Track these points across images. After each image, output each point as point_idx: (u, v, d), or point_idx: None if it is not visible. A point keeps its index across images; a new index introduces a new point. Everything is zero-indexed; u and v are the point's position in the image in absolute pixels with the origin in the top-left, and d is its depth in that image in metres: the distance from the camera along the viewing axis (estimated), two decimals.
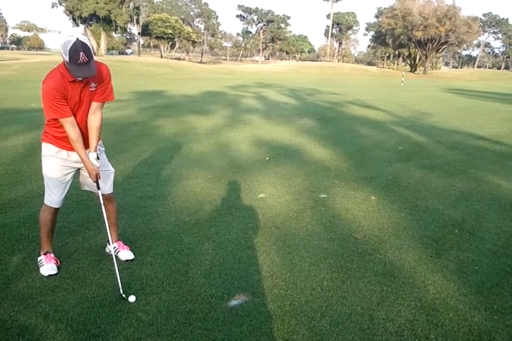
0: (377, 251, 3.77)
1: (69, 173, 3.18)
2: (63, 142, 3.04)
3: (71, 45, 2.64)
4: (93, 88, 2.94)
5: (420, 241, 4.03)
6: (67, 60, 2.69)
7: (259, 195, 5.20)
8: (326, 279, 3.27)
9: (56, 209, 3.24)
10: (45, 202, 3.21)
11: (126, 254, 3.46)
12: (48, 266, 3.20)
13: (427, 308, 2.94)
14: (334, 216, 4.59)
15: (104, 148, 3.33)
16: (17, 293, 2.93)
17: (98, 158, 3.11)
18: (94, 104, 3.01)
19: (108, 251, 3.52)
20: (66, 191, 3.24)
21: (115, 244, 3.48)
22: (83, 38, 2.70)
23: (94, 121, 3.03)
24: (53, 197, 3.17)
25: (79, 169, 3.23)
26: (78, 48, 2.65)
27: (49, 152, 3.09)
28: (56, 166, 3.10)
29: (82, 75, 2.76)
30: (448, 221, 4.55)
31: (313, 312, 2.85)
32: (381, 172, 6.45)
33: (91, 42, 2.82)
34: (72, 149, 3.04)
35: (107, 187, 3.30)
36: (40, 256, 3.29)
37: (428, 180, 6.09)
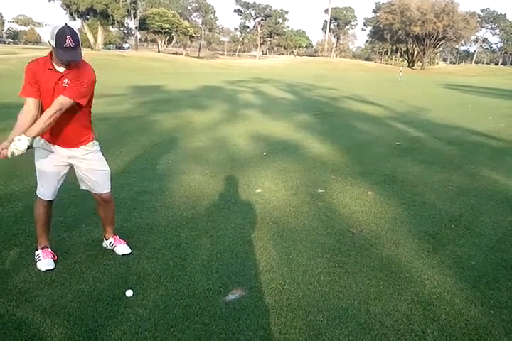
0: (374, 246, 3.78)
1: (59, 166, 3.12)
2: (49, 134, 3.00)
3: (59, 28, 2.63)
4: (65, 84, 2.83)
5: (417, 236, 4.04)
6: (54, 44, 2.65)
7: (256, 189, 5.20)
8: (323, 274, 3.28)
9: (48, 202, 3.22)
10: (37, 193, 3.20)
11: (122, 249, 3.46)
12: (45, 261, 3.20)
13: (424, 303, 2.95)
14: (331, 211, 4.60)
15: (99, 148, 3.23)
16: (14, 288, 2.93)
17: (30, 147, 2.72)
18: (58, 98, 2.81)
19: (105, 245, 3.52)
20: (58, 185, 3.21)
21: (111, 239, 3.48)
22: (72, 25, 2.68)
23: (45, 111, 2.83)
24: (43, 190, 3.16)
25: (72, 166, 3.20)
26: (65, 32, 2.63)
27: (38, 143, 3.06)
28: (44, 158, 3.08)
29: (66, 58, 2.70)
30: (445, 216, 4.56)
31: (310, 307, 2.86)
32: (378, 167, 6.45)
33: (79, 32, 2.77)
34: (58, 144, 3.02)
35: (98, 187, 3.24)
36: (37, 250, 3.28)
37: (425, 175, 6.10)
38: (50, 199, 3.21)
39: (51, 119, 2.75)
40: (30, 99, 2.84)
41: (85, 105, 2.96)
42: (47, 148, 3.06)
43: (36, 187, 3.21)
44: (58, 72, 2.81)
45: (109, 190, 3.32)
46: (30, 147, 2.68)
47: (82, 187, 3.31)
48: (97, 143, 3.22)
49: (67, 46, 2.64)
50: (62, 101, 2.78)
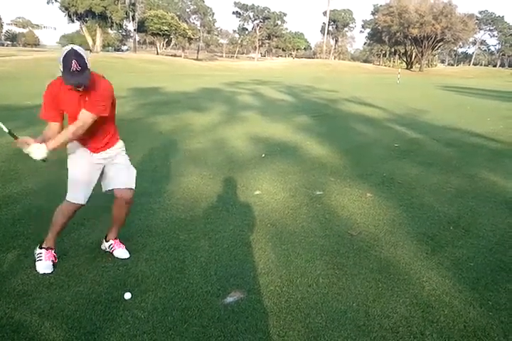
0: (372, 248, 3.78)
1: (92, 170, 3.21)
2: (81, 139, 3.08)
3: (65, 53, 2.69)
4: (87, 99, 2.91)
5: (416, 238, 4.04)
6: (61, 69, 2.71)
7: (255, 191, 5.20)
8: (321, 276, 3.28)
9: (79, 206, 3.23)
10: (68, 199, 3.19)
11: (121, 253, 3.45)
12: (45, 263, 3.19)
13: (423, 305, 2.95)
14: (330, 213, 4.60)
15: (125, 148, 3.37)
16: (12, 290, 2.92)
17: (44, 160, 2.86)
18: (80, 114, 2.90)
19: (104, 248, 3.52)
20: (92, 188, 3.25)
21: (112, 241, 3.47)
22: (78, 48, 2.74)
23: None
24: (76, 195, 3.19)
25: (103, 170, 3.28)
26: (71, 56, 2.68)
27: (73, 149, 3.15)
28: (79, 162, 3.16)
29: (73, 82, 2.74)
30: (443, 218, 4.56)
31: (308, 309, 2.85)
32: (377, 169, 6.45)
33: (87, 54, 2.80)
34: (89, 148, 3.13)
35: (129, 182, 3.31)
36: (40, 248, 3.25)
37: (423, 177, 6.10)
38: (83, 203, 3.22)
39: (73, 135, 2.90)
40: (53, 124, 2.96)
41: (109, 115, 3.04)
42: (81, 152, 3.13)
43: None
44: (77, 90, 2.85)
45: (134, 189, 3.38)
46: (44, 160, 2.82)
47: (109, 187, 3.31)
48: (123, 143, 3.35)
49: (74, 70, 2.69)
50: (85, 117, 2.89)
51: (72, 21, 65.32)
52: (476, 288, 3.19)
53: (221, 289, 3.04)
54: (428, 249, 3.80)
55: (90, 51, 57.14)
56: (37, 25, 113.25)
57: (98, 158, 3.19)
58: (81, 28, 66.53)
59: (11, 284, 3.00)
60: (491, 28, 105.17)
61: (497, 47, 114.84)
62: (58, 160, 6.23)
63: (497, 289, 3.19)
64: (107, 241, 3.50)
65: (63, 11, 63.77)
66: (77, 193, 3.18)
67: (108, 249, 3.48)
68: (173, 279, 3.16)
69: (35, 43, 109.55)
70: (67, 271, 3.19)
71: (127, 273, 3.22)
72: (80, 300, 2.85)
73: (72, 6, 60.83)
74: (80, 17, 63.82)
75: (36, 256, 3.24)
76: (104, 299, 2.87)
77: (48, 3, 63.55)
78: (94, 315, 2.70)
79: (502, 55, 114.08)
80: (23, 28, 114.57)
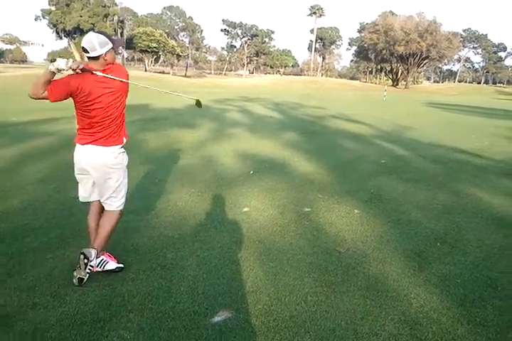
0: (360, 265, 3.78)
1: None
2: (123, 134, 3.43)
3: (102, 36, 3.09)
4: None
5: (403, 254, 4.05)
6: (112, 44, 3.13)
7: (243, 208, 5.19)
8: (310, 294, 3.26)
9: None
10: (122, 207, 3.52)
11: (115, 264, 3.44)
12: (113, 263, 3.45)
13: (411, 322, 2.94)
14: (318, 230, 4.60)
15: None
16: None
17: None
18: None
19: (90, 270, 3.35)
20: None
21: (102, 257, 3.40)
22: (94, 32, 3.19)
23: None
24: None
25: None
26: (103, 33, 3.16)
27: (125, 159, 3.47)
28: None
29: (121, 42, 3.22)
30: (430, 234, 4.58)
31: (297, 328, 2.83)
32: (364, 185, 6.49)
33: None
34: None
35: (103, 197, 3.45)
36: (99, 257, 3.35)
37: (410, 193, 6.14)
38: None
39: None
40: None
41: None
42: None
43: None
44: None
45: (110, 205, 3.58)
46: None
47: (92, 198, 3.59)
48: None
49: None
50: None
51: (60, 38, 65.62)
52: (464, 305, 3.19)
53: (209, 308, 3.01)
54: (416, 266, 3.81)
55: None
56: (24, 42, 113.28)
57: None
58: (69, 44, 66.80)
59: None
60: (475, 45, 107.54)
61: (481, 64, 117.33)
62: (42, 178, 6.19)
63: (484, 305, 3.20)
64: (96, 259, 3.36)
65: (51, 28, 64.08)
66: None
67: (98, 268, 3.38)
68: (159, 298, 3.12)
69: (23, 60, 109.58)
70: (51, 291, 3.14)
71: (113, 292, 3.18)
72: (64, 320, 2.81)
73: (60, 22, 61.17)
74: (68, 34, 64.14)
75: (101, 264, 3.39)
76: (89, 319, 2.83)
77: (35, 19, 63.83)
78: (80, 335, 2.66)
79: (486, 72, 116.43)
80: (11, 44, 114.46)
